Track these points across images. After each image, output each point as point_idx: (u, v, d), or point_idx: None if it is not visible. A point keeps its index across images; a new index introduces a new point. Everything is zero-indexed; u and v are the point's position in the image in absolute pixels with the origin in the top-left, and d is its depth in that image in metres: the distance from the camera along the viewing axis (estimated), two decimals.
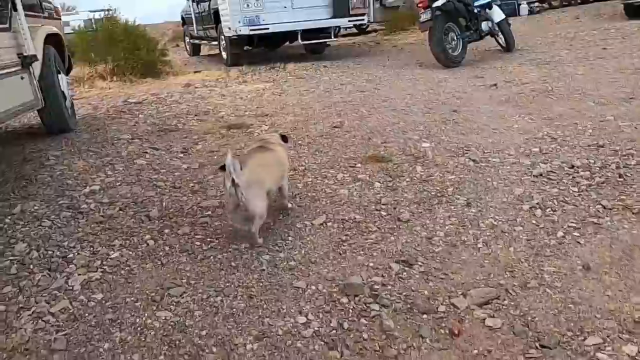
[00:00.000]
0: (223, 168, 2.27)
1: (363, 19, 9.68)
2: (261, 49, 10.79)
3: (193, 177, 3.44)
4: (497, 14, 7.73)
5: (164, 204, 2.98)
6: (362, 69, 7.87)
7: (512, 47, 7.99)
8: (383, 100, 5.32)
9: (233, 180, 2.19)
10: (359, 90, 6.03)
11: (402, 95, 5.55)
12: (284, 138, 2.85)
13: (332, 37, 9.73)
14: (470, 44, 7.51)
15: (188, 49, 13.95)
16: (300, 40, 9.25)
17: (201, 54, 13.61)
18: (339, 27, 10.01)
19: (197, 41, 12.86)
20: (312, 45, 10.06)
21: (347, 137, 4.02)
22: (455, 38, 7.20)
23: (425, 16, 6.85)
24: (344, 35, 14.50)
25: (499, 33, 7.87)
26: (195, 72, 9.23)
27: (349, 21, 9.66)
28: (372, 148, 3.69)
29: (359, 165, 3.36)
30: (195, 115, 5.37)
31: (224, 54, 10.06)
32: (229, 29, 9.00)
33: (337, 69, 8.20)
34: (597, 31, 9.24)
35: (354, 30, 15.17)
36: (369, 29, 15.72)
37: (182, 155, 4.01)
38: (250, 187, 2.24)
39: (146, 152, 4.05)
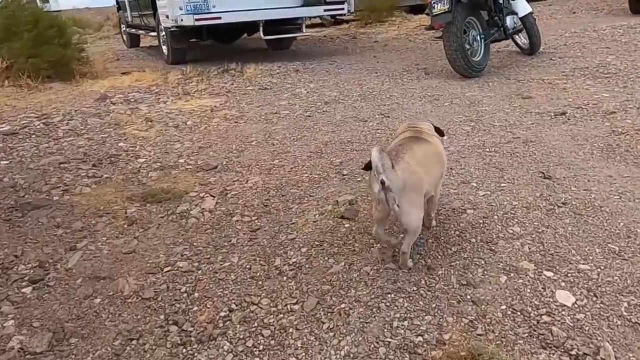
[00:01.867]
0: (369, 166, 1.67)
1: (342, 9, 7.59)
2: (211, 41, 8.60)
3: None
4: (522, 6, 5.86)
5: None
6: (348, 76, 5.82)
7: (537, 49, 6.16)
8: None
9: (383, 183, 1.60)
10: (358, 119, 3.98)
11: None
12: (439, 131, 2.13)
13: (303, 30, 7.62)
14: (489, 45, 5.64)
15: (125, 39, 11.50)
16: (262, 35, 7.09)
17: (142, 44, 11.19)
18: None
19: (134, 30, 10.43)
20: (277, 40, 7.92)
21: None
22: (477, 38, 5.27)
23: (441, 6, 4.83)
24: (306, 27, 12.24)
25: (521, 30, 6.05)
26: (123, 73, 6.94)
27: (325, 11, 7.55)
28: (452, 295, 1.66)
29: None
30: (94, 164, 3.20)
31: (164, 49, 7.78)
32: (167, 17, 6.74)
33: (313, 74, 6.11)
34: (622, 29, 7.60)
35: (318, 20, 12.85)
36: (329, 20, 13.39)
37: (28, 291, 1.90)
38: (405, 191, 1.65)
39: None
